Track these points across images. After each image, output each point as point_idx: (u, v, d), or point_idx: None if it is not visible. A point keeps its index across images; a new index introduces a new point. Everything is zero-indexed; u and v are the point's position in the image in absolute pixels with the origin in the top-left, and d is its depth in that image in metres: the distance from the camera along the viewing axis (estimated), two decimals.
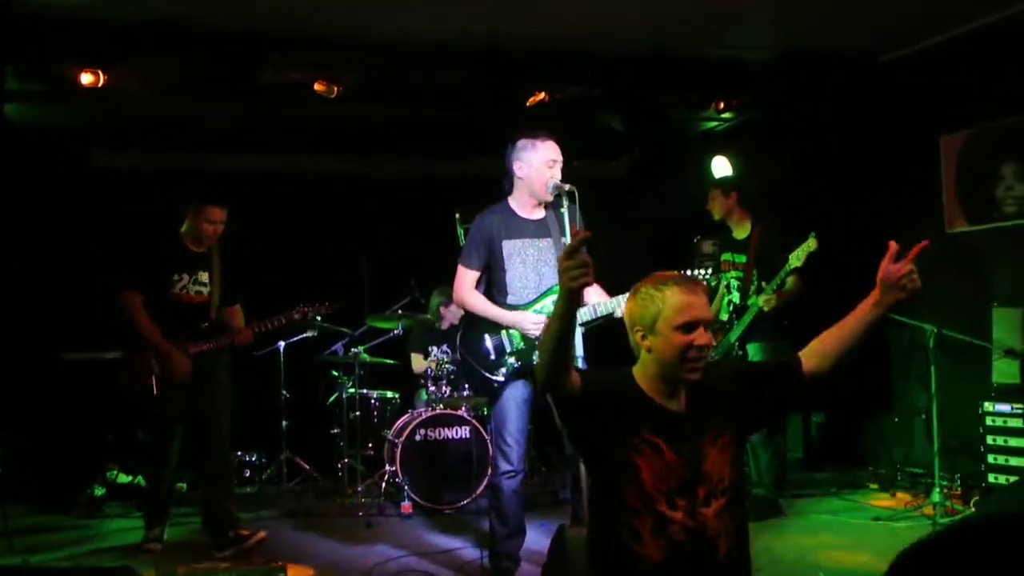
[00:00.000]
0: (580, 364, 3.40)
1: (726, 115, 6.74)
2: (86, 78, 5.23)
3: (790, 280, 5.15)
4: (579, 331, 3.45)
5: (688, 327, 2.26)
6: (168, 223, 4.87)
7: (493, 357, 3.94)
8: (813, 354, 2.38)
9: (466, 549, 4.70)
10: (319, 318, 5.60)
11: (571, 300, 2.10)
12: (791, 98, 6.25)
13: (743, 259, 5.50)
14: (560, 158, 3.90)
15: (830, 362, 2.35)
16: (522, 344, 3.90)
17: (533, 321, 3.83)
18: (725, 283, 5.57)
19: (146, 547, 4.76)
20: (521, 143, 3.94)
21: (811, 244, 4.94)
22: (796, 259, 4.99)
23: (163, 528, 4.89)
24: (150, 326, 4.65)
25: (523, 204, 3.99)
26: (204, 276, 4.81)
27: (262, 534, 4.74)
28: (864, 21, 5.32)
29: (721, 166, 6.54)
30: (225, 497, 4.79)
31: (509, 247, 3.94)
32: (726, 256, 5.65)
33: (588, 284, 2.08)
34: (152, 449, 4.90)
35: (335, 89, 5.66)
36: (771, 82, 6.14)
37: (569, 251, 2.06)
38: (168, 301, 4.72)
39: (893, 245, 2.27)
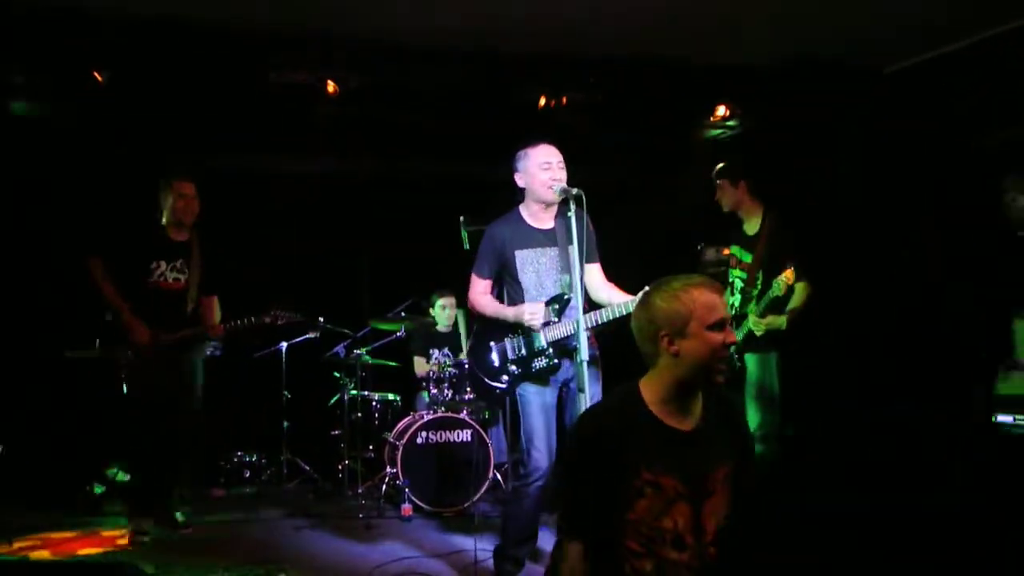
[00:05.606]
0: (585, 365, 3.37)
1: (729, 123, 6.76)
2: (91, 75, 5.27)
3: (795, 297, 4.69)
4: (585, 333, 3.44)
5: (720, 325, 2.22)
6: (149, 210, 5.06)
7: (497, 364, 3.97)
8: None
9: (466, 552, 4.69)
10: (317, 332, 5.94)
11: None
12: (795, 107, 6.26)
13: (749, 258, 4.98)
14: (557, 159, 3.90)
15: None
16: (524, 351, 3.91)
17: (530, 311, 3.83)
18: (730, 281, 5.11)
19: (134, 540, 4.79)
20: (518, 155, 3.98)
21: (788, 276, 4.48)
22: (778, 288, 4.51)
23: (148, 521, 4.92)
24: (114, 292, 4.83)
25: (533, 213, 4.01)
26: (181, 264, 4.97)
27: (188, 530, 5.01)
28: (869, 31, 5.34)
29: None
30: (170, 480, 5.04)
31: (522, 256, 3.96)
32: (734, 250, 5.13)
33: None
34: (134, 434, 4.95)
35: (338, 89, 5.69)
36: (776, 91, 6.15)
37: None
38: (146, 288, 4.89)
39: None
